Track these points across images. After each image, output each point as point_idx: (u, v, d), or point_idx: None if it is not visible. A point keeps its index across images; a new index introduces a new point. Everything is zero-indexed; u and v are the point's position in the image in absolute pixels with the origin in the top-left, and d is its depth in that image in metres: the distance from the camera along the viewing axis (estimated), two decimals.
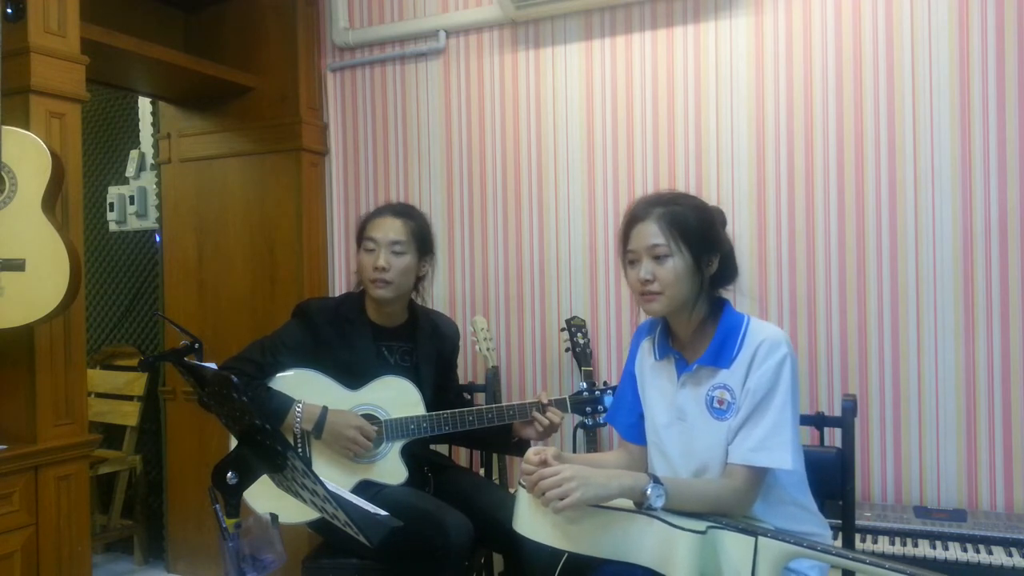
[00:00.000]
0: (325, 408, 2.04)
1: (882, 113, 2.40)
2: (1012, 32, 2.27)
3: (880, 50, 2.40)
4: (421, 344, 2.23)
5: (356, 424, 2.02)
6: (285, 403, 2.03)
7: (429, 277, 2.26)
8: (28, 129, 2.09)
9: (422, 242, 2.19)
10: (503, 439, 2.17)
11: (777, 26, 2.52)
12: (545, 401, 2.09)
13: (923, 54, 2.36)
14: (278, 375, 2.10)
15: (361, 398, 2.11)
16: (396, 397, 2.12)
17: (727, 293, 1.68)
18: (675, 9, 2.64)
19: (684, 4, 2.63)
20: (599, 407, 2.13)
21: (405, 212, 2.19)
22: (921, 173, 2.36)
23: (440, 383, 2.27)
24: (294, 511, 1.78)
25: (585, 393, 2.15)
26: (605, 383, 2.24)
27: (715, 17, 2.59)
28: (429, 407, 2.13)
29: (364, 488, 2.04)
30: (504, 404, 2.11)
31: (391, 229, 2.14)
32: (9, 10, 2.10)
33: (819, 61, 2.47)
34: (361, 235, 2.18)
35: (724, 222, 1.68)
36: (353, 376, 2.12)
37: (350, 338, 2.14)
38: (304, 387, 2.08)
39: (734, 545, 1.40)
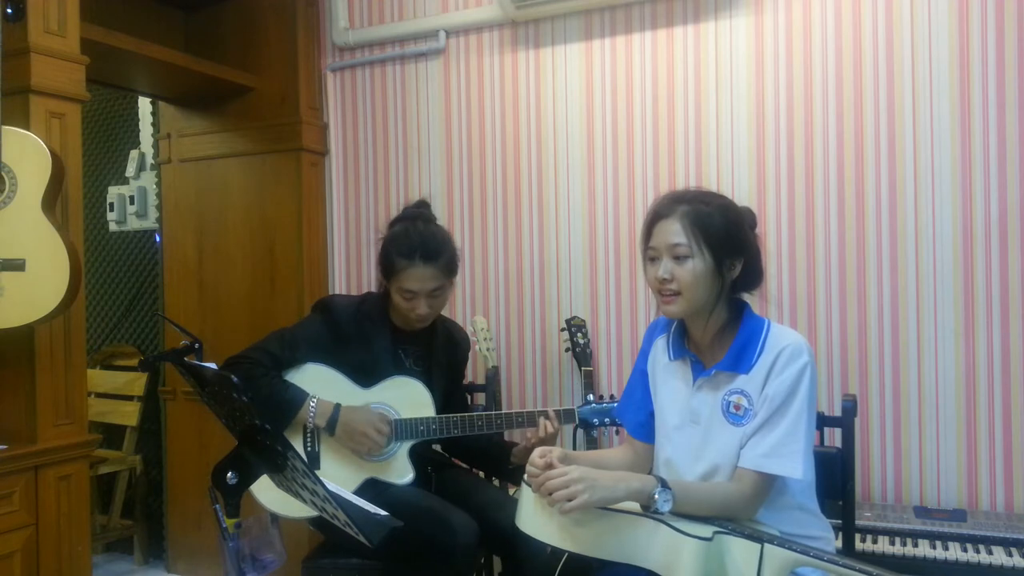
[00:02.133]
0: (339, 405, 2.05)
1: (882, 113, 2.40)
2: (1012, 32, 2.27)
3: (880, 50, 2.40)
4: (436, 350, 2.24)
5: (370, 420, 2.03)
6: (299, 396, 2.04)
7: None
8: (28, 129, 2.09)
9: (453, 271, 2.15)
10: (502, 461, 2.17)
11: (777, 26, 2.52)
12: (551, 412, 2.07)
13: (923, 54, 2.36)
14: (293, 370, 2.11)
15: (373, 396, 2.11)
16: (407, 397, 2.12)
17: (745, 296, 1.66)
18: (675, 9, 2.64)
19: (684, 4, 2.63)
20: (606, 420, 2.11)
21: (435, 254, 2.08)
22: (921, 173, 2.36)
23: (451, 390, 2.28)
24: (297, 505, 1.78)
25: (594, 405, 2.13)
26: (612, 396, 2.23)
27: (715, 17, 2.59)
28: (438, 411, 2.13)
29: (371, 486, 2.04)
30: (514, 411, 2.11)
31: (428, 279, 2.06)
32: (9, 10, 2.10)
33: (819, 61, 2.47)
34: (390, 274, 2.09)
35: (753, 224, 1.64)
36: (367, 375, 2.13)
37: (369, 337, 2.14)
38: (317, 382, 2.09)
39: (740, 551, 1.39)
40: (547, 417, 2.05)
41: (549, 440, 2.04)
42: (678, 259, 1.53)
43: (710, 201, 1.58)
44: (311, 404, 2.03)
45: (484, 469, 2.40)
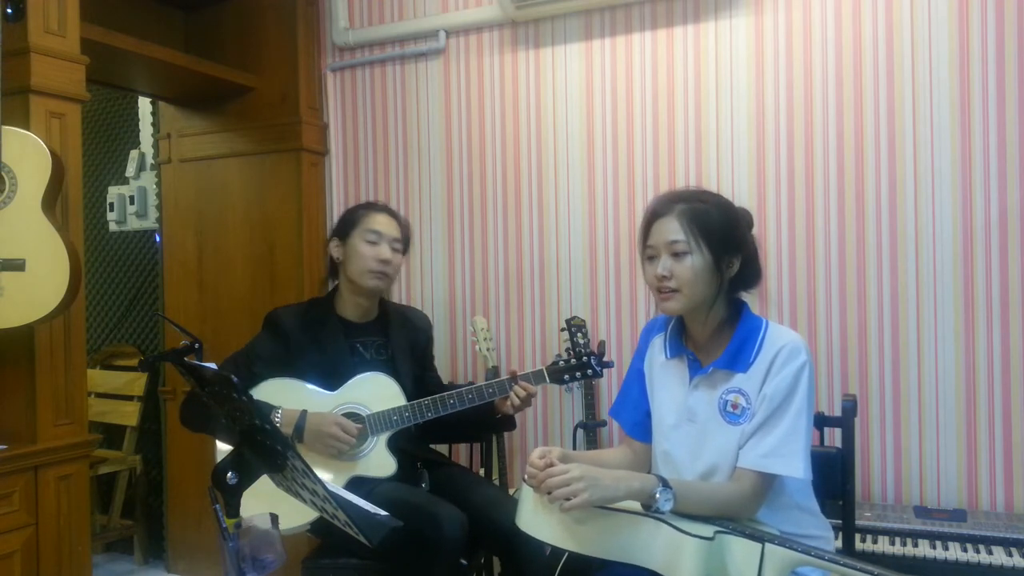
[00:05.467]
0: (304, 412, 2.05)
1: (882, 113, 2.40)
2: (1012, 32, 2.27)
3: (880, 50, 2.40)
4: (394, 337, 2.26)
5: (336, 421, 2.03)
6: (264, 410, 2.03)
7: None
8: (28, 129, 2.09)
9: (407, 243, 2.30)
10: (487, 417, 2.18)
11: (777, 26, 2.52)
12: (519, 373, 2.11)
13: (923, 54, 2.36)
14: (254, 388, 2.11)
15: (341, 398, 2.12)
16: (376, 392, 2.13)
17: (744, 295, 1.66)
18: (675, 9, 2.64)
19: (684, 4, 2.63)
20: (577, 375, 2.11)
21: (395, 213, 2.30)
22: (921, 173, 2.36)
23: (419, 374, 2.29)
24: (287, 517, 1.78)
25: (561, 363, 2.13)
26: (594, 353, 2.17)
27: (715, 17, 2.59)
28: (410, 398, 2.13)
29: (356, 485, 2.05)
30: (483, 383, 2.11)
31: (391, 227, 2.23)
32: (9, 10, 2.10)
33: (819, 61, 2.47)
34: (354, 226, 2.22)
35: (750, 224, 1.65)
36: (330, 377, 2.13)
37: (321, 340, 2.16)
38: (283, 395, 2.09)
39: (740, 551, 1.39)
40: (516, 383, 2.08)
41: (527, 403, 2.09)
42: (676, 256, 1.54)
43: (707, 199, 1.59)
44: (276, 415, 2.04)
45: (477, 431, 2.40)
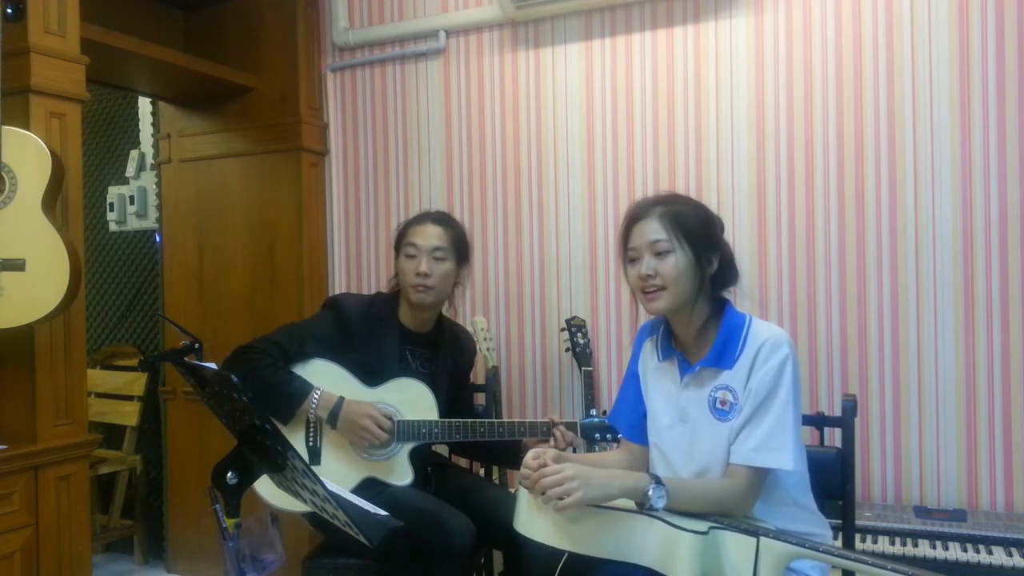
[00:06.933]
0: (342, 398, 2.05)
1: (882, 113, 2.40)
2: (1012, 31, 2.27)
3: (880, 50, 2.40)
4: (442, 353, 2.25)
5: (371, 414, 2.03)
6: (304, 388, 2.04)
7: (462, 286, 2.28)
8: (28, 129, 2.09)
9: (460, 250, 2.22)
10: (512, 455, 2.17)
11: (777, 26, 2.52)
12: (558, 420, 2.09)
13: (923, 54, 2.36)
14: (300, 364, 2.11)
15: (378, 396, 2.11)
16: (412, 399, 2.12)
17: (728, 294, 1.68)
18: (675, 9, 2.64)
19: (684, 4, 2.63)
20: (608, 435, 2.10)
21: (445, 220, 2.23)
22: (921, 173, 2.36)
23: (453, 395, 2.28)
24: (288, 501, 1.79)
25: (596, 420, 2.12)
26: None
27: (715, 17, 2.59)
28: (441, 414, 2.13)
29: (369, 485, 2.05)
30: (516, 420, 2.11)
31: (432, 236, 2.17)
32: (9, 10, 2.10)
33: (819, 61, 2.47)
34: (401, 241, 2.21)
35: (722, 228, 1.69)
36: (374, 375, 2.13)
37: (377, 337, 2.16)
38: (323, 378, 2.09)
39: (736, 546, 1.40)
40: (555, 427, 2.07)
41: (565, 449, 2.05)
42: (659, 255, 1.58)
43: (684, 202, 1.65)
44: (315, 395, 2.04)
45: (496, 462, 2.41)
